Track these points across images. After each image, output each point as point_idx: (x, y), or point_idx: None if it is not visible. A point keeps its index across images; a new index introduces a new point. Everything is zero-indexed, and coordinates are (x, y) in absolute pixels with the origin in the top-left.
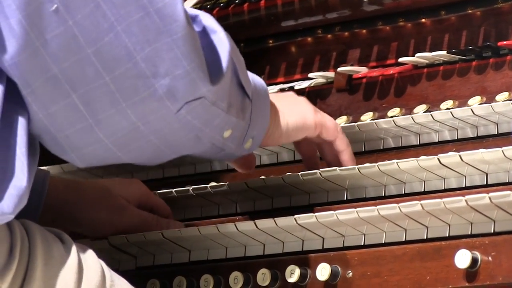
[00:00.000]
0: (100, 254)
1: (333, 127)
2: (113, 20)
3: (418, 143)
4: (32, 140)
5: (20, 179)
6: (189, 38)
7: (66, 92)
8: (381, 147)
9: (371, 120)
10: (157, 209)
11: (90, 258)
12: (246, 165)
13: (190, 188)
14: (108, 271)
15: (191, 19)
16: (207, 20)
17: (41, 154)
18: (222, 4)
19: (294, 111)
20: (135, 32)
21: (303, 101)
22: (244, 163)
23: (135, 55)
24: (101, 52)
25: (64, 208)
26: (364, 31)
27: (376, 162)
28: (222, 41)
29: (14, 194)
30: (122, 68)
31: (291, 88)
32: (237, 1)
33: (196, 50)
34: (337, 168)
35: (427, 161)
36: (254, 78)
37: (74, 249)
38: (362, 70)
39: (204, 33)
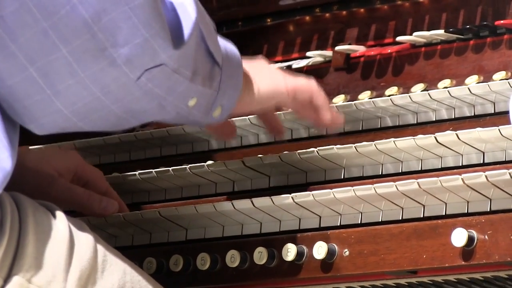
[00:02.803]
0: (96, 231)
1: (306, 86)
2: None
3: (415, 122)
4: (8, 115)
5: (3, 160)
6: (148, 4)
7: (23, 66)
8: (379, 126)
9: (369, 99)
10: (93, 183)
11: (82, 232)
12: (225, 133)
13: (187, 166)
14: (102, 245)
15: None
16: None
17: None
18: None
19: (265, 77)
20: (92, 3)
21: (273, 67)
22: (223, 131)
23: (92, 26)
24: (58, 25)
25: None
26: (362, 10)
27: (373, 141)
28: (188, 7)
29: None
30: (80, 40)
31: (289, 67)
32: None
33: (155, 16)
34: (334, 146)
35: (424, 139)
36: (226, 46)
37: (65, 223)
38: (360, 49)
39: None
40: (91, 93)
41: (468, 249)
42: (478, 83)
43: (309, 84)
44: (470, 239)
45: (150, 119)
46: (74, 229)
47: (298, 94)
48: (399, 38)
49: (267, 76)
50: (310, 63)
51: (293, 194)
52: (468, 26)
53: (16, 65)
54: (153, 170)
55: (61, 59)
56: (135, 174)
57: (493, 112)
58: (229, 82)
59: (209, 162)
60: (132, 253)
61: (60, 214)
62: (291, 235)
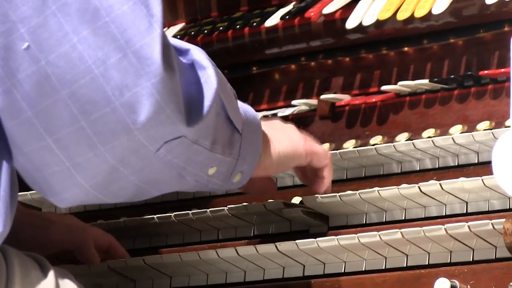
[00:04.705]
0: (81, 280)
1: (324, 154)
2: (90, 63)
3: (399, 171)
4: (13, 181)
5: None
6: (167, 79)
7: (41, 136)
8: (363, 175)
9: (354, 148)
10: (95, 240)
11: (69, 283)
12: (266, 190)
13: (172, 214)
14: None
15: (182, 53)
16: (198, 55)
17: None
18: (206, 31)
19: (284, 140)
20: (114, 77)
21: (291, 128)
22: (263, 188)
23: (113, 100)
24: (76, 95)
25: None
26: (347, 59)
27: (357, 190)
28: (209, 78)
29: None
30: (100, 113)
31: (275, 115)
32: (221, 28)
33: (173, 91)
34: (319, 195)
35: (408, 189)
36: (246, 110)
37: (52, 274)
38: (345, 98)
39: (192, 68)
40: (111, 166)
41: None
42: (462, 133)
43: (326, 153)
44: None
45: (170, 189)
46: (60, 280)
47: (315, 159)
48: (384, 87)
49: (286, 138)
50: (295, 112)
51: (277, 243)
52: (452, 76)
53: (33, 133)
54: (138, 218)
55: (80, 131)
56: (121, 221)
57: (476, 162)
58: (249, 147)
59: (194, 210)
60: None
61: (46, 265)
62: (275, 284)
